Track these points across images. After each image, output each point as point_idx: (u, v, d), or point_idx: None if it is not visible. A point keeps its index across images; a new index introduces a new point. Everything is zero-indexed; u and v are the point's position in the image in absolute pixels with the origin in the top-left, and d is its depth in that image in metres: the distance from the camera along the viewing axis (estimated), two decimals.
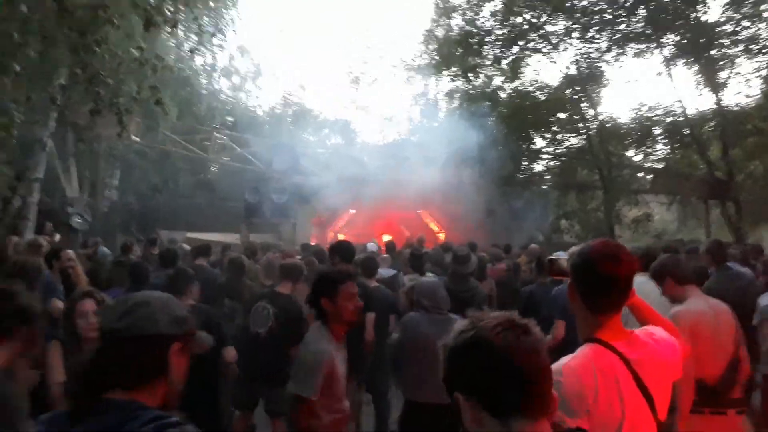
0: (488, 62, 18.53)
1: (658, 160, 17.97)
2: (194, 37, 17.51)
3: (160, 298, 1.59)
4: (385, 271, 7.26)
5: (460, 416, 1.30)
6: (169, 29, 7.47)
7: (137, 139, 16.46)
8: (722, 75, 15.41)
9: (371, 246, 10.50)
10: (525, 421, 1.24)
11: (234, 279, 6.23)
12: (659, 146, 17.58)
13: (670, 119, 16.37)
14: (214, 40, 18.43)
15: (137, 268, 5.30)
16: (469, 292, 5.42)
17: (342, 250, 5.43)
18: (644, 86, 35.92)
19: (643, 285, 4.53)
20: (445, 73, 19.94)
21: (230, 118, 25.57)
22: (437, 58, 19.97)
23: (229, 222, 18.25)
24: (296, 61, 43.39)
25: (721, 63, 15.21)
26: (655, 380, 1.82)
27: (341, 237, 17.65)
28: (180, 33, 16.91)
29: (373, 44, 43.37)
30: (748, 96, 15.56)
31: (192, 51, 15.44)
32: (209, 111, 23.21)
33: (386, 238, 16.33)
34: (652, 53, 16.38)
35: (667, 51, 16.09)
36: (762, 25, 14.33)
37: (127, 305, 1.51)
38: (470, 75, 19.11)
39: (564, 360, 1.82)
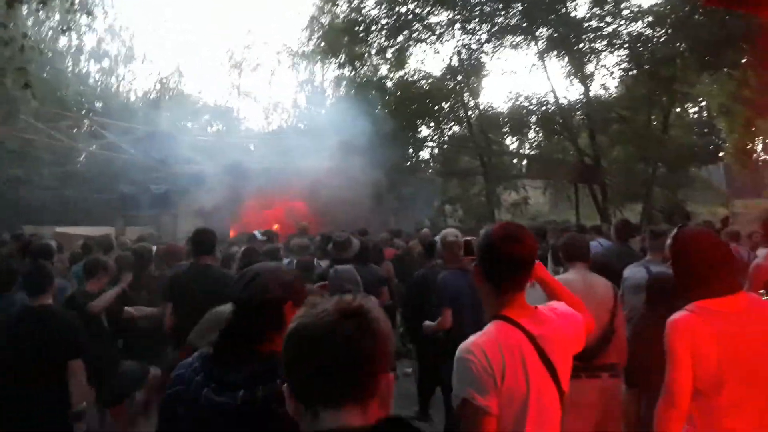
0: (374, 51, 18.65)
1: (533, 147, 19.12)
2: (57, 17, 16.05)
3: (269, 268, 1.94)
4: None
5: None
6: (36, 6, 6.72)
7: None
8: (589, 67, 16.62)
9: (258, 234, 10.30)
10: (328, 412, 1.16)
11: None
12: (534, 134, 18.72)
13: (543, 108, 17.45)
14: (82, 20, 17.01)
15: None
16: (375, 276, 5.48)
17: (197, 240, 4.94)
18: (521, 77, 38.06)
19: None
20: (331, 60, 19.83)
21: (100, 104, 23.84)
22: (323, 45, 19.80)
23: (103, 215, 17.02)
24: (173, 45, 41.11)
25: (588, 56, 16.37)
26: (558, 353, 1.91)
27: (231, 228, 17.11)
28: (41, 13, 15.45)
29: (255, 29, 42.22)
30: (606, 88, 17.01)
31: (64, 30, 14.04)
32: (76, 96, 21.46)
33: (275, 227, 16.03)
34: (528, 46, 17.34)
35: (541, 44, 17.09)
36: (622, 22, 15.59)
37: (246, 278, 1.87)
38: (356, 63, 19.15)
39: (471, 338, 1.88)
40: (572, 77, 16.97)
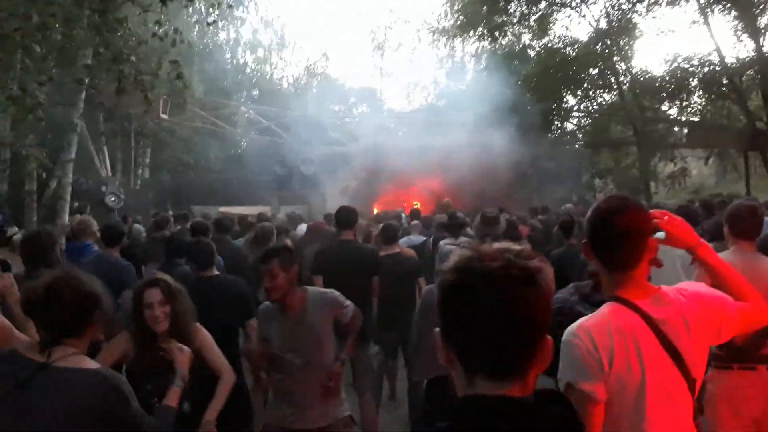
0: (515, 20, 18.04)
1: (695, 113, 17.34)
2: (213, 11, 17.42)
3: None
4: (415, 238, 7.26)
5: None
6: (185, 2, 7.41)
7: (165, 116, 16.60)
8: (762, 20, 14.67)
9: (402, 213, 10.53)
10: (491, 381, 1.08)
11: (257, 251, 6.26)
12: (695, 98, 16.95)
13: (706, 69, 15.73)
14: (236, 13, 18.32)
15: (172, 242, 5.31)
16: None
17: (339, 217, 5.18)
18: (679, 37, 34.52)
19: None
20: (471, 33, 19.51)
21: (256, 92, 25.63)
22: (462, 18, 19.53)
23: (261, 195, 18.37)
24: (319, 31, 42.89)
25: (761, 7, 14.46)
26: (686, 338, 1.73)
27: (375, 208, 17.70)
28: (201, 8, 16.86)
29: (396, 8, 42.66)
30: None
31: (209, 24, 15.29)
32: (235, 85, 23.27)
33: (416, 204, 16.27)
34: (687, 1, 15.70)
35: None
36: None
37: None
38: (496, 34, 18.65)
39: (581, 320, 1.77)
40: (741, 33, 15.08)
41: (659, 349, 1.71)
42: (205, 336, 2.98)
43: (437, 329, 1.14)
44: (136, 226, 10.24)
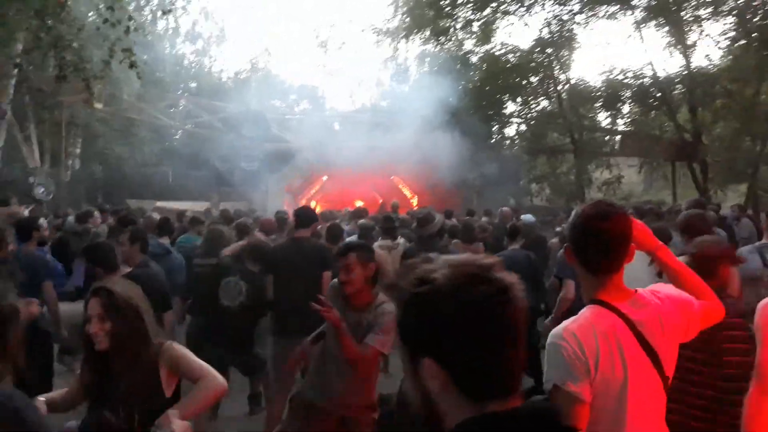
0: (459, 25, 18.31)
1: (628, 123, 18.18)
2: (156, 1, 16.84)
3: None
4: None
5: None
6: None
7: (100, 106, 15.86)
8: (692, 37, 15.55)
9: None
10: (500, 400, 1.08)
11: (212, 247, 6.10)
12: (628, 109, 17.77)
13: (639, 82, 16.51)
14: (179, 2, 17.77)
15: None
16: (437, 251, 5.45)
17: (301, 216, 5.29)
18: (615, 49, 36.17)
19: None
20: (416, 36, 19.66)
21: (194, 84, 24.92)
22: (408, 20, 19.65)
23: (199, 190, 17.89)
24: (262, 25, 42.18)
25: (690, 25, 15.31)
26: (660, 339, 1.81)
27: (313, 204, 17.55)
28: None
29: (341, 7, 42.51)
30: (710, 60, 15.83)
31: (165, 12, 14.75)
32: (173, 76, 22.52)
33: (359, 204, 16.26)
34: (624, 15, 16.42)
35: (638, 13, 16.14)
36: None
37: None
38: (441, 38, 18.87)
39: (564, 323, 1.81)
40: (672, 48, 15.92)
41: (639, 350, 1.77)
42: (175, 353, 2.38)
43: (426, 358, 1.07)
44: (70, 219, 9.75)
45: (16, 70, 8.77)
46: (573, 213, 1.94)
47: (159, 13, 16.66)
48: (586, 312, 1.83)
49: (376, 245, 6.38)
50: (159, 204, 15.27)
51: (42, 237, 5.22)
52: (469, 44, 19.83)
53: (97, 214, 8.88)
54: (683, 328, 1.89)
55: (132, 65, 6.57)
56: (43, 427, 1.80)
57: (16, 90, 11.74)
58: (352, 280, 3.15)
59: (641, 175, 20.79)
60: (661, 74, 16.30)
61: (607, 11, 16.51)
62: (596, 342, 1.74)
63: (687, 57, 15.73)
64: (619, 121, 18.27)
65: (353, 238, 7.23)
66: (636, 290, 1.88)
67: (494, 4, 17.51)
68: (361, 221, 6.88)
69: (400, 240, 6.59)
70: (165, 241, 6.13)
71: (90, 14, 6.94)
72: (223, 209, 9.89)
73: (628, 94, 16.94)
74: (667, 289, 1.95)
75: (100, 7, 6.76)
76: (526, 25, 17.85)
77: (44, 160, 16.28)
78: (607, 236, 1.81)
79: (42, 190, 13.79)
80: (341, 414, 3.28)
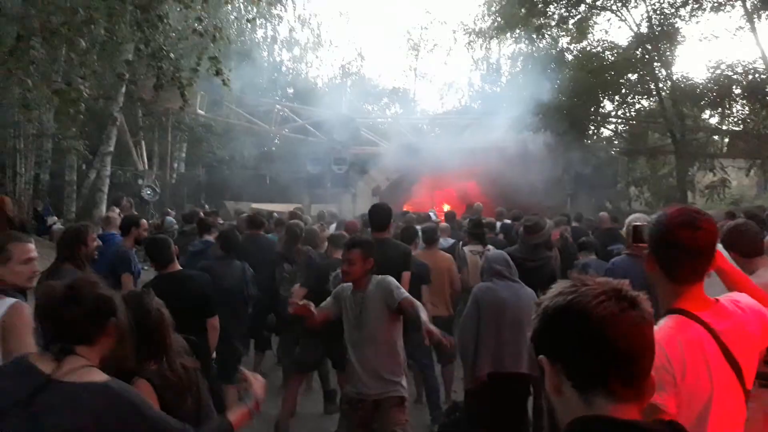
0: (553, 23, 17.78)
1: (737, 122, 16.83)
2: (252, 9, 17.62)
3: None
4: (444, 241, 7.21)
5: (538, 383, 1.24)
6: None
7: (202, 113, 16.88)
8: None
9: (432, 215, 10.49)
10: (609, 401, 1.13)
11: (290, 245, 6.32)
12: (738, 107, 16.44)
13: (751, 77, 15.24)
14: (273, 11, 18.51)
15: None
16: (538, 262, 5.29)
17: (374, 216, 5.17)
18: (723, 43, 33.67)
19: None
20: (508, 35, 19.30)
21: (291, 90, 25.87)
22: (500, 20, 19.34)
23: (293, 193, 18.55)
24: (355, 30, 42.99)
25: None
26: (743, 350, 1.74)
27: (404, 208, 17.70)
28: (240, 5, 17.07)
29: (432, 9, 42.54)
30: None
31: (249, 21, 15.47)
32: (271, 83, 23.49)
33: (446, 207, 16.21)
34: (733, 6, 15.23)
35: (750, 2, 14.92)
36: None
37: None
38: (534, 36, 18.42)
39: None
40: None
41: (723, 362, 1.72)
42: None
43: (542, 357, 1.18)
44: (168, 218, 10.45)
45: (124, 80, 9.54)
46: (655, 219, 1.89)
47: (246, 23, 17.37)
48: (668, 321, 1.77)
49: (467, 249, 6.32)
50: (254, 205, 16.00)
51: (139, 235, 5.60)
52: (563, 42, 19.24)
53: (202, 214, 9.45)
54: (762, 338, 1.81)
55: (218, 72, 6.94)
56: (152, 409, 1.90)
57: (126, 98, 12.74)
58: (352, 271, 3.64)
59: (752, 179, 19.21)
60: None
61: (714, 2, 15.39)
62: (682, 352, 1.69)
63: None
64: (727, 120, 16.93)
65: (440, 241, 7.17)
66: (717, 300, 1.83)
67: (589, 0, 16.85)
68: (426, 225, 6.80)
69: (490, 246, 6.44)
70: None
71: (186, 23, 7.44)
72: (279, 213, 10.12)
73: (737, 90, 15.67)
74: (746, 298, 1.87)
75: (191, 18, 7.22)
76: (624, 20, 16.96)
77: (152, 164, 17.52)
78: (695, 245, 1.76)
79: (149, 191, 14.86)
80: (373, 399, 3.62)
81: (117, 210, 7.62)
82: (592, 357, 1.12)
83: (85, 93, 7.40)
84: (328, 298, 3.87)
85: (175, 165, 19.19)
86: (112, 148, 12.13)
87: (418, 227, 6.63)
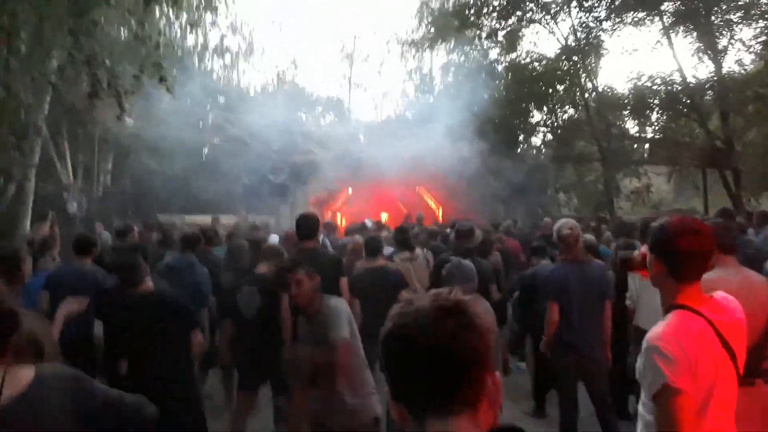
0: (485, 34, 18.29)
1: (657, 131, 17.87)
2: (185, 16, 17.14)
3: None
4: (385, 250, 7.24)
5: None
6: (168, 6, 7.25)
7: (131, 121, 16.19)
8: (722, 42, 15.22)
9: (369, 223, 10.49)
10: (436, 419, 1.07)
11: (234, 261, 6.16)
12: (657, 116, 17.46)
13: (668, 88, 16.23)
14: (207, 18, 18.08)
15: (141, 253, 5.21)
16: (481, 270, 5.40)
17: (302, 225, 5.09)
18: (643, 56, 35.70)
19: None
20: (441, 46, 19.69)
21: (222, 98, 25.28)
22: (432, 31, 19.70)
23: (227, 204, 18.08)
24: (288, 38, 42.68)
25: (720, 30, 15.01)
26: (735, 338, 1.99)
27: (339, 216, 17.64)
28: (169, 12, 16.55)
29: (366, 19, 42.79)
30: (741, 64, 15.47)
31: (192, 25, 15.05)
32: (202, 91, 22.85)
33: (384, 216, 16.28)
34: (652, 21, 16.18)
35: (666, 19, 15.89)
36: None
37: None
38: (466, 48, 18.87)
39: (657, 329, 1.97)
40: (702, 54, 15.61)
41: (721, 349, 1.96)
42: None
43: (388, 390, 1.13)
44: (105, 233, 9.97)
45: (50, 88, 9.01)
46: (658, 227, 2.15)
47: (188, 27, 16.88)
48: (675, 316, 2.01)
49: (396, 258, 6.36)
50: (188, 218, 15.47)
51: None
52: (494, 53, 19.82)
53: (136, 228, 9.02)
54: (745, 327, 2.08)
55: (162, 79, 6.69)
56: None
57: (50, 107, 12.05)
58: (303, 292, 3.46)
59: (671, 184, 20.39)
60: (691, 80, 16.00)
61: (635, 17, 16.31)
62: (694, 342, 1.92)
63: (717, 62, 15.42)
64: (648, 129, 17.95)
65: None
66: (711, 296, 2.08)
67: (519, 13, 17.45)
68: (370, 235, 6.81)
69: (419, 251, 6.56)
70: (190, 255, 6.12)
71: (122, 30, 7.13)
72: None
73: (656, 101, 16.65)
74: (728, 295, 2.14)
75: (132, 23, 6.93)
76: (552, 32, 17.69)
77: (77, 176, 16.64)
78: (701, 250, 2.04)
79: (75, 205, 14.09)
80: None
81: (47, 226, 7.16)
82: (407, 376, 1.09)
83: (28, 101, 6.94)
84: None
85: (101, 177, 18.30)
86: (36, 160, 11.41)
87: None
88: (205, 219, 14.49)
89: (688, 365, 1.87)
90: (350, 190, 18.88)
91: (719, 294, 2.12)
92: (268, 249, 5.15)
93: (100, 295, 4.38)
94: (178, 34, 18.13)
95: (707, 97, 16.15)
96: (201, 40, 22.46)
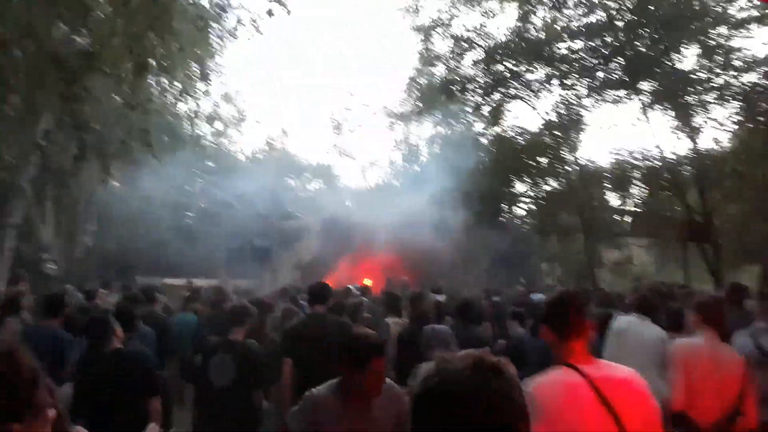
0: (470, 109, 18.86)
1: (638, 204, 18.23)
2: (177, 85, 17.53)
3: None
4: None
5: None
6: (158, 74, 7.46)
7: (116, 184, 16.26)
8: (697, 120, 15.79)
9: (353, 289, 10.47)
10: None
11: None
12: (638, 190, 17.87)
13: (648, 163, 16.68)
14: (200, 86, 18.52)
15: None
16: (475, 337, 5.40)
17: (315, 289, 5.28)
18: (623, 130, 36.83)
19: (636, 325, 4.58)
20: (427, 119, 20.25)
21: (211, 164, 25.54)
22: (420, 104, 20.30)
23: (212, 267, 17.94)
24: (279, 107, 43.66)
25: (696, 109, 15.60)
26: (620, 397, 2.08)
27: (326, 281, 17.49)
28: (164, 80, 16.96)
29: (356, 91, 44.02)
30: (718, 142, 16.03)
31: (182, 93, 15.40)
32: (192, 156, 23.10)
33: (367, 281, 16.21)
34: (630, 99, 16.80)
35: (645, 97, 16.52)
36: (733, 73, 14.78)
37: None
38: (451, 121, 19.41)
39: (535, 377, 2.18)
40: (679, 131, 16.16)
41: (599, 406, 2.06)
42: None
43: None
44: (78, 295, 9.79)
45: (37, 151, 9.09)
46: (550, 299, 2.53)
47: (179, 97, 17.28)
48: (553, 370, 2.24)
49: (392, 322, 6.35)
50: (168, 281, 15.29)
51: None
52: (479, 126, 20.38)
53: (101, 290, 8.94)
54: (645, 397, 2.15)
55: (148, 145, 6.79)
56: None
57: (36, 169, 12.08)
58: (381, 382, 2.86)
59: (652, 256, 20.62)
60: (670, 155, 16.48)
61: (614, 95, 16.94)
62: (560, 394, 2.10)
63: (693, 139, 15.96)
64: (629, 202, 18.31)
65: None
66: (600, 360, 2.35)
67: (503, 90, 18.08)
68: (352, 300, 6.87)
69: (395, 320, 6.55)
70: None
71: (112, 97, 7.29)
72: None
73: (637, 174, 17.08)
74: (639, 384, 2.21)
75: (124, 89, 7.11)
76: (534, 108, 18.29)
77: (59, 237, 16.50)
78: (576, 312, 2.36)
79: (52, 266, 13.90)
80: None
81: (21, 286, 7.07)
82: None
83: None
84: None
85: (84, 238, 18.16)
86: (19, 221, 11.33)
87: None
88: (182, 282, 14.35)
89: (545, 413, 1.99)
90: (335, 255, 18.87)
91: (614, 367, 2.28)
92: (240, 310, 4.79)
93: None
94: (170, 101, 18.47)
95: (685, 173, 16.58)
96: (194, 106, 22.88)
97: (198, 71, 16.77)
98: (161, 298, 8.17)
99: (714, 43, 14.76)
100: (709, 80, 15.09)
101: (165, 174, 18.63)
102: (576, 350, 2.25)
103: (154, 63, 6.90)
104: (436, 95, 18.96)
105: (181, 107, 20.96)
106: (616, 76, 16.49)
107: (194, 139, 23.87)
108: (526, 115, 31.03)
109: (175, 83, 16.40)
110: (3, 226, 11.92)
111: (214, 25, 13.40)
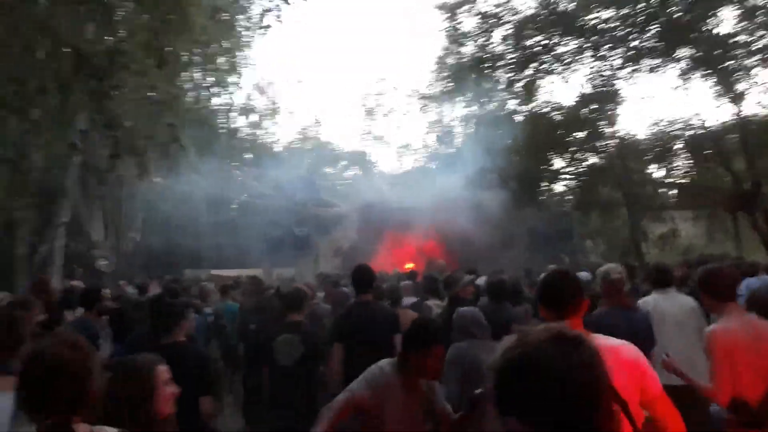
0: (501, 86, 18.55)
1: (681, 175, 17.64)
2: (210, 79, 17.82)
3: None
4: (407, 299, 7.21)
5: None
6: (185, 68, 7.60)
7: (158, 180, 16.71)
8: (740, 86, 15.14)
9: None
10: None
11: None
12: (680, 161, 17.29)
13: (690, 133, 16.11)
14: (231, 80, 18.77)
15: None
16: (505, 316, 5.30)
17: (358, 276, 4.98)
18: (662, 101, 35.52)
19: (674, 299, 4.43)
20: (459, 99, 20.00)
21: (249, 156, 25.92)
22: (450, 84, 20.07)
23: (253, 258, 18.28)
24: (312, 96, 43.90)
25: (737, 74, 14.96)
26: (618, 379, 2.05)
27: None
28: (197, 75, 17.26)
29: (386, 75, 43.80)
30: (764, 106, 15.30)
31: (210, 88, 15.62)
32: (229, 149, 23.51)
33: (409, 265, 16.23)
34: (668, 67, 16.23)
35: (683, 65, 15.94)
36: None
37: None
38: (484, 100, 19.13)
39: None
40: (721, 97, 15.53)
41: None
42: None
43: (507, 417, 1.13)
44: (129, 289, 10.15)
45: (77, 150, 9.39)
46: (544, 279, 2.55)
47: (212, 91, 17.57)
48: None
49: (433, 305, 6.35)
50: (214, 272, 15.68)
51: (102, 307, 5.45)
52: (512, 104, 20.03)
53: (152, 285, 9.25)
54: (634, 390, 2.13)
55: (175, 139, 6.94)
56: None
57: (80, 167, 12.52)
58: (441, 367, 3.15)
59: (700, 228, 19.97)
60: (713, 123, 15.88)
61: (650, 65, 16.39)
62: None
63: (737, 105, 15.31)
64: (673, 173, 17.72)
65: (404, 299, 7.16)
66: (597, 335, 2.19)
67: (534, 65, 17.71)
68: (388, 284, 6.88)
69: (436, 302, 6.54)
70: None
71: (141, 92, 7.47)
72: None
73: (679, 145, 16.51)
74: (628, 353, 2.22)
75: (150, 86, 7.28)
76: (566, 82, 17.86)
77: (108, 234, 17.09)
78: (570, 290, 2.42)
79: (104, 261, 14.44)
80: None
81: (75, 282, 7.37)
82: (561, 407, 1.10)
83: (37, 164, 7.28)
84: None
85: (131, 234, 18.75)
86: (66, 219, 11.77)
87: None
88: (230, 273, 14.68)
89: None
90: (374, 241, 18.96)
91: (607, 342, 2.20)
92: (296, 295, 4.91)
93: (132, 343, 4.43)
94: (204, 95, 18.79)
95: (730, 141, 15.95)
96: (227, 99, 23.21)
97: (227, 64, 17.02)
98: (209, 286, 8.46)
99: (754, 3, 14.10)
100: (750, 43, 14.43)
101: (204, 169, 19.06)
102: (570, 325, 2.22)
103: (185, 57, 7.03)
104: (467, 74, 18.70)
105: (216, 101, 21.31)
106: (652, 44, 15.93)
107: (230, 132, 24.24)
108: (560, 91, 30.36)
109: (207, 78, 16.68)
110: (53, 225, 12.42)
111: (239, 17, 13.49)
